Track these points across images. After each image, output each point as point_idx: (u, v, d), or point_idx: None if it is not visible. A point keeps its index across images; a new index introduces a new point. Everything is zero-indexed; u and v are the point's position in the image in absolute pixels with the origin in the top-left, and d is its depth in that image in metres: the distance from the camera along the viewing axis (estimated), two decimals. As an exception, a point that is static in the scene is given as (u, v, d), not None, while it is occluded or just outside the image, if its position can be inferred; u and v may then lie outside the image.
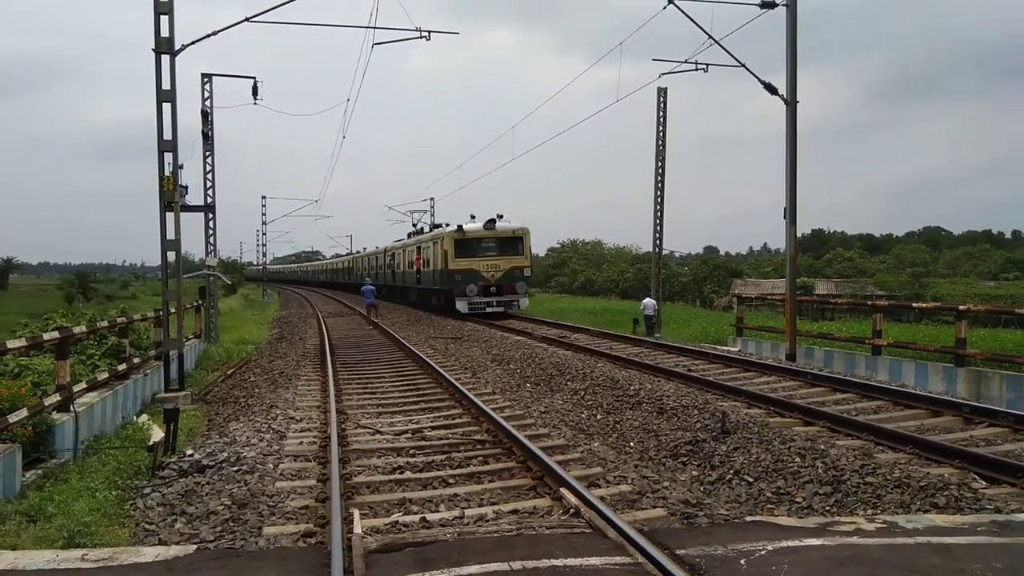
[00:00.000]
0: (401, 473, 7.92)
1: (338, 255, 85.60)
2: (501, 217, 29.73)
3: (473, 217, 30.51)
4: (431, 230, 37.07)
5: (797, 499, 6.93)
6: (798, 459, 7.80)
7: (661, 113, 26.01)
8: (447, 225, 33.02)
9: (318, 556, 5.31)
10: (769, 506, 6.83)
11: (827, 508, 6.67)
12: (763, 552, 5.01)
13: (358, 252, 62.64)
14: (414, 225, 47.25)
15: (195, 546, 5.69)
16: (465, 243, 29.24)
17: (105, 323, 12.75)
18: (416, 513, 6.57)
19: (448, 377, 13.28)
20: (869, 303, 19.55)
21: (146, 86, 13.14)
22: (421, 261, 35.23)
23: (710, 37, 16.13)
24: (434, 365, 14.89)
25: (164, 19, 12.84)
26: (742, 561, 4.87)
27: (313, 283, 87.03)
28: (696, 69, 19.09)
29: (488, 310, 28.51)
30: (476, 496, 7.10)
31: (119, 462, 8.38)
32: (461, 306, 28.42)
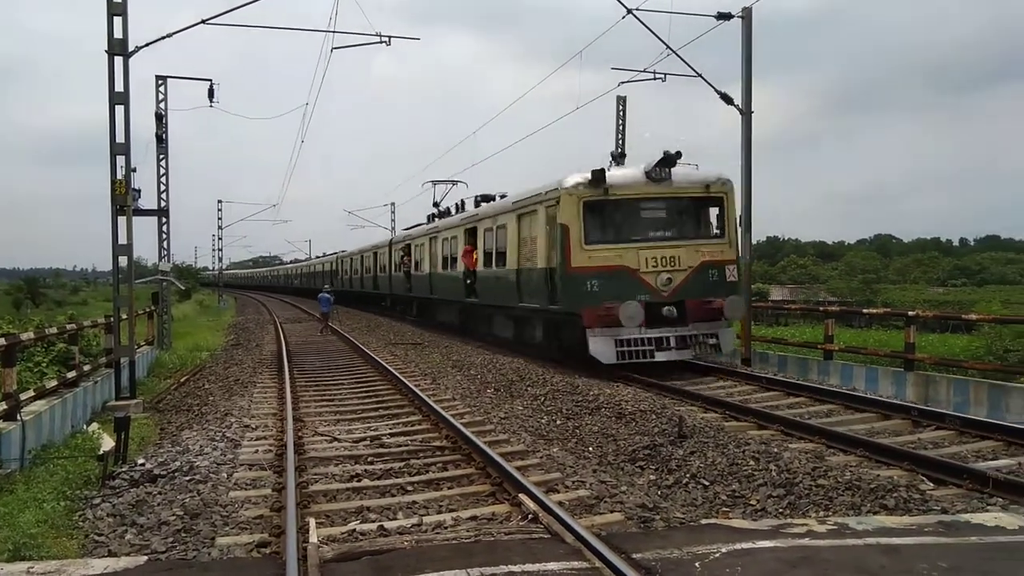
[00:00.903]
0: (359, 481, 7.85)
1: (296, 260, 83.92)
2: (679, 156, 14.61)
3: (617, 159, 15.92)
4: (477, 206, 21.67)
5: (751, 502, 7.03)
6: (752, 462, 7.92)
7: (621, 121, 26.25)
8: (498, 196, 20.32)
9: (273, 566, 5.24)
10: (724, 509, 6.92)
11: (780, 510, 6.78)
12: (717, 555, 5.08)
13: (342, 252, 50.74)
14: (436, 205, 29.77)
15: (146, 557, 5.58)
16: (607, 209, 14.49)
17: (54, 329, 12.43)
18: (374, 521, 6.52)
19: (408, 383, 13.21)
20: (821, 308, 19.96)
21: (98, 88, 12.89)
22: (480, 255, 20.04)
23: (668, 47, 16.33)
24: (393, 371, 14.81)
25: (118, 20, 12.60)
26: (697, 564, 4.93)
27: (283, 290, 78.37)
28: (655, 78, 19.28)
29: (659, 356, 13.90)
30: (435, 503, 7.07)
31: (68, 472, 8.17)
32: (601, 348, 13.79)
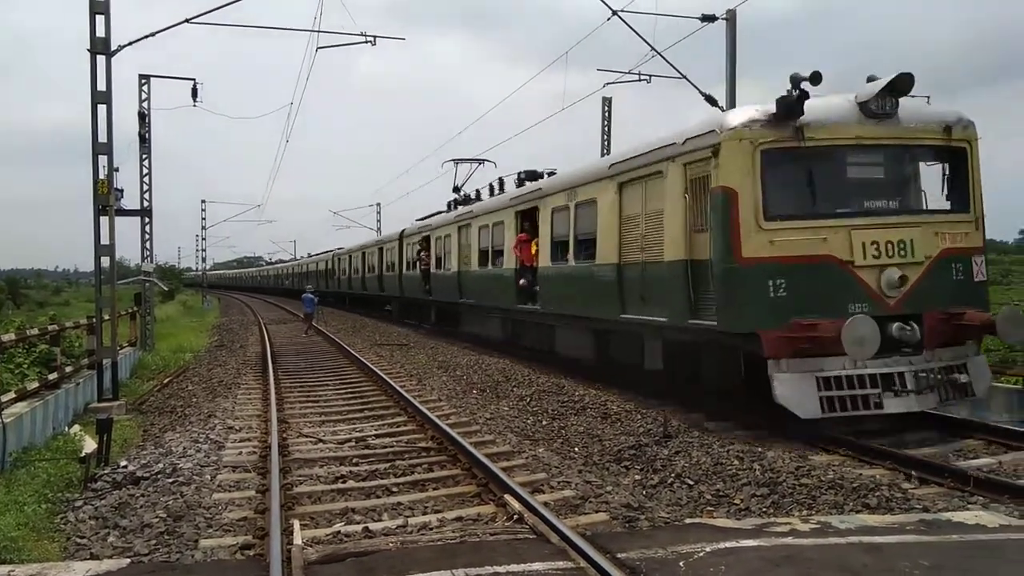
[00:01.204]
0: (344, 482, 7.83)
1: (282, 260, 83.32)
2: (911, 83, 8.80)
3: (805, 84, 8.63)
4: (520, 185, 17.57)
5: (735, 501, 7.07)
6: (737, 461, 7.96)
7: (606, 122, 26.33)
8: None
9: (256, 569, 5.23)
10: (709, 508, 6.94)
11: (764, 509, 6.81)
12: (701, 554, 5.11)
13: (339, 249, 46.03)
14: (456, 190, 24.55)
15: (128, 560, 5.55)
16: (801, 163, 8.93)
17: (35, 331, 12.32)
18: (359, 523, 6.50)
19: (393, 384, 13.19)
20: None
21: (81, 87, 12.75)
22: (545, 246, 14.78)
23: (652, 48, 16.38)
24: (379, 372, 14.77)
25: (100, 19, 12.48)
26: (681, 563, 4.95)
27: (272, 291, 75.99)
28: (639, 80, 19.38)
29: (890, 405, 8.55)
30: (420, 504, 7.06)
31: (49, 474, 8.11)
32: (794, 393, 8.47)
